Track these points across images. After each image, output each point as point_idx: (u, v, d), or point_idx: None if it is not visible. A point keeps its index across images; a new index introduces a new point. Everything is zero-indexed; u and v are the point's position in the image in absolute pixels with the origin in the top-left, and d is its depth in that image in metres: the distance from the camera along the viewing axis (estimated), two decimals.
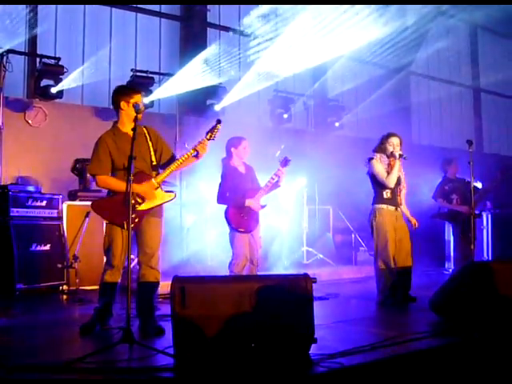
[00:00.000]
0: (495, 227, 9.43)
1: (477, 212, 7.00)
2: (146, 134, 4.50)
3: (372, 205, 5.93)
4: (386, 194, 5.85)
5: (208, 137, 4.43)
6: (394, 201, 5.86)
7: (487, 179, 7.95)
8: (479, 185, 8.69)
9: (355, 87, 12.21)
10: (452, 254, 8.17)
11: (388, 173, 5.78)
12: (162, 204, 4.48)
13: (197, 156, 4.40)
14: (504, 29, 14.71)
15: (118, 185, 4.28)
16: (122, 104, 4.38)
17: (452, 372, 3.73)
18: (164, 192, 4.46)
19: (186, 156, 4.39)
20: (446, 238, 9.18)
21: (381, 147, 5.90)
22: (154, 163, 4.48)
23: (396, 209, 5.88)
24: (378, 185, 5.88)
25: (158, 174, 4.47)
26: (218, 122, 4.49)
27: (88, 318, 4.46)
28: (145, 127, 4.54)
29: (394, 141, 5.84)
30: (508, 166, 8.05)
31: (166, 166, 4.47)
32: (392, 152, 5.82)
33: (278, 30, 10.43)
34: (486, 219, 9.48)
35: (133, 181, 4.24)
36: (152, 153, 4.47)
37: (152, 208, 4.39)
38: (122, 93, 4.47)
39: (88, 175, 7.23)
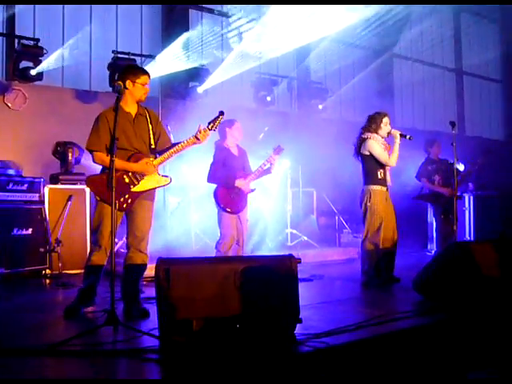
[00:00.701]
0: (477, 208, 9.53)
1: (458, 194, 7.04)
2: (147, 116, 4.47)
3: (364, 185, 5.88)
4: (380, 174, 5.81)
5: (210, 127, 4.46)
6: (385, 181, 5.85)
7: (469, 161, 8.00)
8: (461, 167, 8.76)
9: (338, 69, 12.19)
10: (434, 235, 8.25)
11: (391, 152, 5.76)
12: (156, 188, 4.46)
13: (195, 143, 4.41)
14: (487, 11, 14.76)
15: (115, 162, 4.24)
16: (128, 83, 4.31)
17: (436, 350, 3.78)
18: (160, 176, 4.44)
19: (186, 142, 4.39)
20: (429, 219, 9.26)
21: (372, 127, 5.85)
22: (153, 146, 4.46)
23: (387, 189, 5.89)
24: (373, 165, 5.81)
25: (155, 157, 4.44)
26: (221, 113, 4.53)
27: (72, 301, 4.43)
28: (146, 109, 4.51)
29: (387, 120, 5.85)
30: (490, 149, 8.12)
31: (163, 151, 4.44)
32: (390, 131, 5.81)
33: (261, 12, 10.32)
34: (468, 201, 9.58)
35: (132, 160, 4.23)
36: (151, 135, 4.44)
37: (146, 190, 4.36)
38: (129, 72, 4.43)
39: (70, 157, 7.19)
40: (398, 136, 5.77)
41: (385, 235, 5.79)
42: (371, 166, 5.84)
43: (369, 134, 5.85)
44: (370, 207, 5.80)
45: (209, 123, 4.48)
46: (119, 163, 4.16)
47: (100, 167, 4.41)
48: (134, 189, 4.31)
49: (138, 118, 4.42)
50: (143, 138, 4.41)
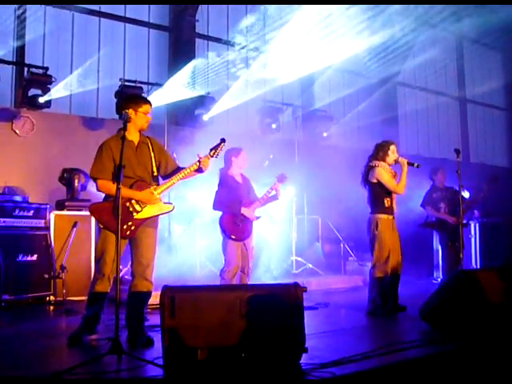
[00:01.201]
0: (483, 236, 9.48)
1: (464, 221, 7.02)
2: (149, 145, 4.52)
3: (371, 214, 5.87)
4: (387, 202, 5.81)
5: (211, 154, 4.52)
6: (391, 209, 5.86)
7: (474, 189, 7.99)
8: (467, 194, 8.74)
9: (343, 97, 12.30)
10: (440, 263, 8.19)
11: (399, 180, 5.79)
12: (159, 215, 4.47)
13: (199, 171, 4.45)
14: (489, 40, 14.92)
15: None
16: (130, 112, 4.34)
17: (443, 381, 3.72)
18: (163, 203, 4.46)
19: (188, 170, 4.43)
20: (434, 247, 9.21)
21: (380, 155, 5.87)
22: (155, 174, 4.49)
23: (393, 217, 5.89)
24: (381, 193, 5.81)
25: (158, 184, 4.47)
26: (223, 140, 4.61)
27: (75, 328, 4.40)
28: (148, 138, 4.56)
29: (394, 147, 5.88)
30: (495, 176, 8.10)
31: (170, 177, 4.48)
32: (397, 159, 5.84)
33: (266, 41, 10.47)
34: (474, 228, 9.54)
35: (134, 188, 4.26)
36: (154, 163, 4.47)
37: (149, 218, 4.37)
38: (131, 101, 4.50)
39: (76, 184, 7.22)
40: (406, 164, 5.78)
41: (393, 262, 5.76)
42: (378, 194, 5.84)
43: (376, 162, 5.86)
44: (377, 236, 5.77)
45: (211, 150, 4.54)
46: (123, 191, 4.19)
47: (103, 195, 4.44)
48: (137, 216, 4.31)
49: (141, 146, 4.46)
50: (146, 165, 4.44)
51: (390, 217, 5.84)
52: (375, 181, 5.83)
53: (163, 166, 4.53)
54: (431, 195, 7.58)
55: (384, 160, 5.86)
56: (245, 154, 5.91)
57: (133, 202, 4.30)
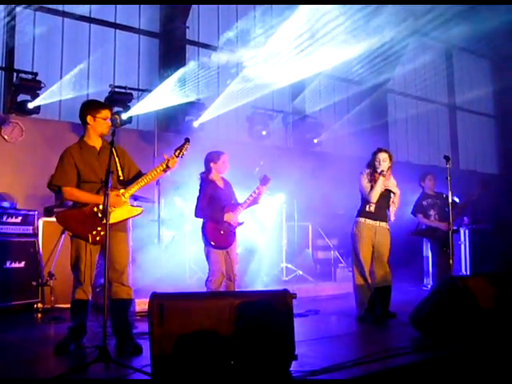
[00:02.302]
0: (472, 242, 9.52)
1: (455, 227, 7.04)
2: (112, 150, 4.47)
3: (355, 217, 6.03)
4: (369, 207, 5.94)
5: (177, 154, 4.46)
6: (376, 215, 5.91)
7: (464, 195, 8.02)
8: (457, 200, 8.77)
9: (333, 104, 12.35)
10: (431, 269, 8.20)
11: (372, 187, 5.85)
12: (128, 218, 4.43)
13: (165, 170, 4.42)
14: (478, 48, 15.05)
15: (85, 196, 4.26)
16: (89, 118, 4.35)
17: None
18: (131, 206, 4.43)
19: (156, 172, 4.39)
20: (425, 253, 9.24)
21: (370, 162, 6.01)
22: (121, 178, 4.45)
23: (378, 223, 5.91)
24: (364, 198, 6.00)
25: (124, 188, 4.42)
26: (187, 140, 4.54)
27: (62, 337, 4.35)
28: (110, 143, 4.51)
29: (381, 156, 5.94)
30: (485, 182, 8.14)
31: (133, 181, 4.44)
32: (375, 168, 5.91)
33: (257, 47, 10.48)
34: (464, 234, 9.58)
35: (99, 194, 4.22)
36: (119, 168, 4.44)
37: (119, 222, 4.33)
38: (88, 107, 4.45)
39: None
40: (380, 178, 5.86)
41: (377, 270, 5.81)
42: (363, 199, 6.03)
43: (364, 169, 6.01)
44: (353, 238, 5.95)
45: (175, 150, 4.47)
46: (88, 196, 4.23)
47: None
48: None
49: (103, 151, 4.41)
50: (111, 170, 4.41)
51: (371, 221, 5.91)
52: (359, 186, 6.01)
53: (126, 171, 4.50)
54: (421, 202, 7.60)
55: (372, 167, 5.96)
56: (226, 158, 5.73)
57: (100, 206, 4.25)
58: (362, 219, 5.94)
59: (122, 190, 4.37)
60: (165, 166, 4.39)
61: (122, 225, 4.38)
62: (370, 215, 5.92)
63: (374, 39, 10.89)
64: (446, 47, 14.98)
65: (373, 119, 12.59)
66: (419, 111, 14.28)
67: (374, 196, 5.88)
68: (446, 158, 6.22)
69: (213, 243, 5.52)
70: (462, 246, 9.51)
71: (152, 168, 4.46)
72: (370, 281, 5.81)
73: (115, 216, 4.28)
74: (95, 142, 4.41)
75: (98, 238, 4.21)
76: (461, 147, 15.29)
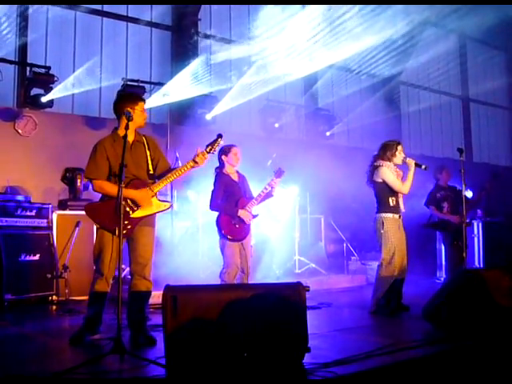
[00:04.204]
0: (486, 235, 9.46)
1: (467, 220, 6.99)
2: (145, 143, 4.50)
3: (377, 213, 5.85)
4: (392, 201, 5.78)
5: (208, 150, 4.45)
6: (397, 208, 5.82)
7: (477, 188, 7.96)
8: (470, 194, 8.71)
9: (346, 97, 12.29)
10: (443, 262, 8.16)
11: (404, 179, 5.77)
12: (156, 213, 4.44)
13: (193, 167, 4.40)
14: (492, 39, 14.88)
15: (114, 190, 4.19)
16: (133, 110, 4.33)
17: (446, 380, 3.70)
18: (159, 201, 4.43)
19: (185, 167, 4.38)
20: (437, 246, 9.19)
21: (387, 155, 5.83)
22: (151, 172, 4.46)
23: (399, 216, 5.86)
24: (386, 192, 5.79)
25: (154, 182, 4.43)
26: (220, 136, 4.54)
27: (77, 328, 4.39)
28: (144, 136, 4.55)
29: (402, 148, 5.85)
30: (497, 174, 8.07)
31: (162, 176, 4.44)
32: (404, 159, 5.81)
33: (269, 40, 10.45)
34: (477, 227, 9.52)
35: (130, 186, 4.23)
36: (149, 161, 4.45)
37: (146, 216, 4.35)
38: (126, 99, 4.49)
39: (78, 183, 7.21)
40: (413, 165, 5.75)
41: (396, 263, 5.75)
42: (383, 194, 5.81)
43: (381, 162, 5.83)
44: (383, 235, 5.75)
45: (207, 146, 4.47)
46: (117, 190, 4.20)
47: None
48: (133, 215, 4.29)
49: (136, 144, 4.44)
50: (141, 164, 4.42)
51: (396, 216, 5.81)
52: (380, 180, 5.81)
53: (155, 164, 4.50)
54: (434, 195, 7.56)
55: (391, 160, 5.82)
56: (237, 150, 5.71)
57: (129, 201, 4.27)
58: (389, 215, 5.75)
59: (151, 186, 4.35)
60: (193, 162, 4.35)
61: (149, 219, 4.39)
62: (394, 210, 5.78)
63: (388, 31, 10.81)
64: (460, 39, 14.84)
65: (386, 111, 12.51)
66: (432, 103, 14.17)
67: (408, 188, 5.75)
68: (460, 151, 6.18)
69: (229, 237, 5.54)
70: (476, 239, 9.45)
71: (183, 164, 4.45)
72: (395, 276, 5.71)
73: (143, 210, 4.31)
74: (129, 134, 4.35)
75: (124, 232, 4.23)
76: (474, 139, 15.16)
